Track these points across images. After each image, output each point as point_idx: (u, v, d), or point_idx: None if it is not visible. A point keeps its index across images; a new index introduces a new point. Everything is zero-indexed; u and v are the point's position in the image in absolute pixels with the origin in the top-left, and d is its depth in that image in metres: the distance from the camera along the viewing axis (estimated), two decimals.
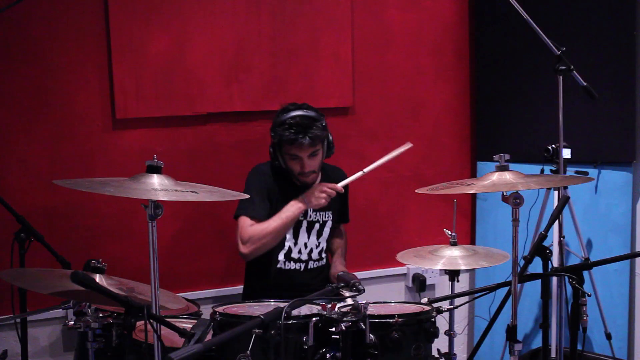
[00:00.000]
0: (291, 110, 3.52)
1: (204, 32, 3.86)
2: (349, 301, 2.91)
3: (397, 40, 4.33)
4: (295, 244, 3.63)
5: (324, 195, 3.50)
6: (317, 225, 3.67)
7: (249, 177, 3.61)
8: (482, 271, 4.52)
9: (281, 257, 3.62)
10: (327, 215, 3.71)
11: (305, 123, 3.48)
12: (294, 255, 3.63)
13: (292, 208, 3.50)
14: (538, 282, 2.99)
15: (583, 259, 4.07)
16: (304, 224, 3.64)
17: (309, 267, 3.68)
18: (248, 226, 3.50)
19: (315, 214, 3.66)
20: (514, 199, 2.83)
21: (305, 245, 3.65)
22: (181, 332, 2.51)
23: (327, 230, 3.72)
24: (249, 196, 2.98)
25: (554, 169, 3.87)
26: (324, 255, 3.74)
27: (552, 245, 3.77)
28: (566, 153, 3.86)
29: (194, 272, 3.97)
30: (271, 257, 3.61)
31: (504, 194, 2.87)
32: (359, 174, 3.58)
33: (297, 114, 3.50)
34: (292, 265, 3.64)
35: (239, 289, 3.88)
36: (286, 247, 3.62)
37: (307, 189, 3.60)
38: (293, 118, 3.48)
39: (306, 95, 4.04)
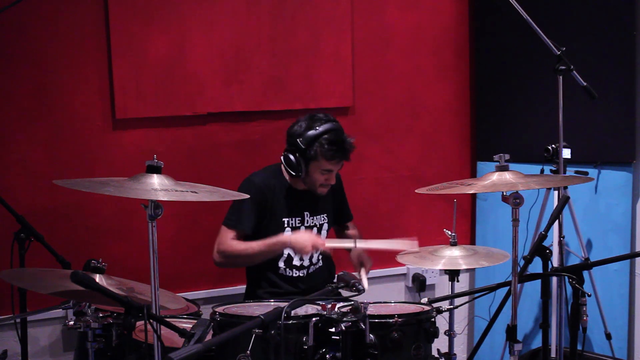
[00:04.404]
0: (322, 124, 3.48)
1: (204, 32, 3.86)
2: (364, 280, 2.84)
3: (397, 40, 4.33)
4: (295, 253, 3.62)
5: (309, 248, 3.46)
6: (314, 230, 3.67)
7: (239, 189, 3.53)
8: (482, 271, 4.52)
9: (282, 264, 3.61)
10: (322, 219, 3.70)
11: (343, 139, 3.49)
12: (296, 262, 3.62)
13: (277, 243, 3.49)
14: (538, 282, 2.99)
15: (583, 259, 4.07)
16: (302, 229, 3.63)
17: (310, 271, 3.68)
18: (229, 239, 3.51)
19: (312, 219, 3.66)
20: (514, 199, 2.84)
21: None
22: (181, 332, 2.51)
23: (324, 233, 3.71)
24: (248, 196, 2.98)
25: (554, 169, 3.87)
26: (321, 256, 3.73)
27: (552, 245, 3.77)
28: (566, 153, 3.86)
29: (194, 272, 3.97)
30: (271, 265, 3.60)
31: (504, 194, 2.87)
32: (350, 244, 3.55)
33: (333, 127, 3.48)
34: (294, 273, 3.63)
35: (238, 289, 3.88)
36: (285, 255, 3.60)
37: (307, 195, 3.61)
38: (332, 134, 3.46)
39: (306, 95, 4.05)
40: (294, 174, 3.51)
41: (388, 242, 3.51)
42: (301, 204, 3.63)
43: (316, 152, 3.46)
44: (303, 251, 3.49)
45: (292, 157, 3.50)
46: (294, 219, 3.61)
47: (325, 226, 3.71)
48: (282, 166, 3.57)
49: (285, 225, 3.59)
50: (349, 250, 3.72)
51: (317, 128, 3.47)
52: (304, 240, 3.46)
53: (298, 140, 3.47)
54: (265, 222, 3.56)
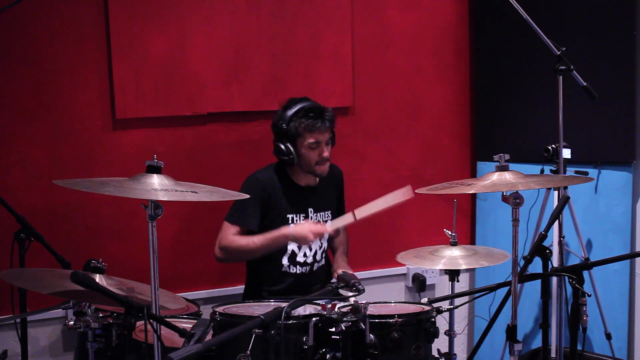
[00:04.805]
0: (297, 102, 3.55)
1: (204, 32, 3.86)
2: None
3: (397, 40, 4.33)
4: (300, 247, 3.62)
5: (311, 236, 3.45)
6: None
7: (243, 186, 3.56)
8: (482, 271, 4.52)
9: (285, 261, 3.61)
10: (327, 215, 3.71)
11: (319, 108, 3.55)
12: (300, 259, 3.62)
13: (279, 237, 3.48)
14: (538, 282, 2.99)
15: (583, 259, 4.07)
16: None
17: (314, 269, 3.68)
18: (230, 234, 3.51)
19: (316, 215, 3.66)
20: (514, 199, 2.84)
21: (310, 248, 3.65)
22: (181, 332, 2.51)
23: None
24: (248, 196, 2.98)
25: (554, 169, 3.87)
26: (325, 254, 3.74)
27: (552, 245, 3.77)
28: (566, 153, 3.86)
29: (194, 272, 3.97)
30: (274, 262, 3.60)
31: (504, 194, 2.87)
32: (350, 218, 3.50)
33: (307, 103, 3.55)
34: (297, 269, 3.63)
35: (238, 289, 3.87)
36: (289, 251, 3.60)
37: (310, 191, 3.62)
38: (306, 106, 3.53)
39: (306, 95, 4.03)
40: (286, 158, 3.53)
41: (384, 201, 3.48)
42: (305, 200, 3.64)
43: (297, 128, 3.50)
44: (306, 241, 3.48)
45: (280, 144, 3.53)
46: (298, 215, 3.61)
47: (329, 223, 3.72)
48: (279, 160, 3.58)
49: (290, 222, 3.59)
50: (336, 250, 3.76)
51: (293, 107, 3.53)
52: (304, 229, 3.45)
53: (279, 123, 3.52)
54: (269, 219, 3.56)
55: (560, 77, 3.55)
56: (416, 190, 3.16)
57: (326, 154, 3.57)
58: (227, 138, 3.98)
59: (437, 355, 3.08)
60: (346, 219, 3.54)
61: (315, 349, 2.79)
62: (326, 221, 3.70)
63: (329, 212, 3.72)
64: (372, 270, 4.34)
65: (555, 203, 3.91)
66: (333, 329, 2.81)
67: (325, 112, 3.55)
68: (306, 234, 3.44)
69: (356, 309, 2.78)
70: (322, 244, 3.69)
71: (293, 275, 3.63)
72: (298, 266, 3.63)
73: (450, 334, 3.30)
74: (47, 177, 3.60)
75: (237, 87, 3.95)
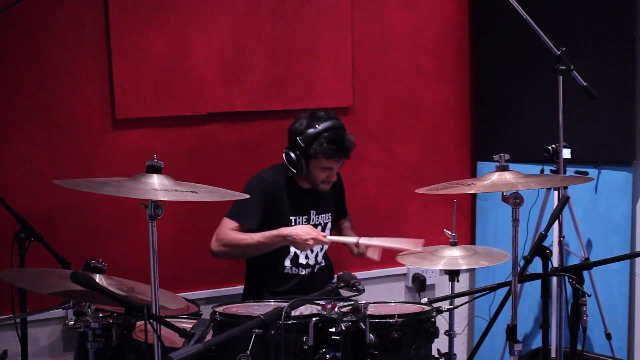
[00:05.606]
0: (322, 122, 3.49)
1: (204, 32, 3.86)
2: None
3: (397, 40, 4.33)
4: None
5: (311, 242, 3.43)
6: (319, 228, 3.67)
7: (248, 185, 3.56)
8: (482, 271, 4.52)
9: (288, 263, 3.62)
10: (327, 217, 3.72)
11: (343, 137, 3.50)
12: (302, 260, 3.63)
13: (279, 236, 3.45)
14: (538, 282, 2.99)
15: (583, 259, 4.08)
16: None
17: (315, 270, 3.68)
18: (228, 229, 3.50)
19: (318, 217, 3.67)
20: (514, 199, 2.84)
21: (312, 250, 3.65)
22: (181, 332, 2.51)
23: (327, 232, 3.72)
24: (248, 196, 2.98)
25: (554, 169, 3.87)
26: (325, 254, 3.75)
27: (552, 245, 3.77)
28: (566, 153, 3.86)
29: (194, 272, 3.97)
30: (276, 263, 3.60)
31: (504, 194, 2.87)
32: (353, 240, 3.53)
33: (332, 125, 3.49)
34: (300, 271, 3.64)
35: (239, 289, 3.88)
36: (292, 253, 3.61)
37: (313, 194, 3.63)
38: (331, 132, 3.47)
39: (306, 95, 4.05)
40: (295, 171, 3.52)
41: (392, 241, 3.49)
42: (307, 202, 3.64)
43: (315, 151, 3.47)
44: (304, 246, 3.46)
45: (292, 155, 3.51)
46: (300, 217, 3.61)
47: (329, 225, 3.73)
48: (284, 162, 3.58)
49: (293, 223, 3.59)
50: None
51: (317, 126, 3.48)
52: (305, 234, 3.43)
53: (298, 138, 3.49)
54: (272, 220, 3.55)
55: (560, 77, 3.55)
56: (416, 190, 3.16)
57: (334, 178, 3.58)
58: (227, 138, 3.98)
59: (437, 355, 3.08)
60: (348, 239, 3.56)
61: (315, 349, 2.79)
62: (327, 223, 3.71)
63: (330, 214, 3.73)
64: (372, 270, 4.34)
65: (555, 203, 3.91)
66: (333, 329, 2.81)
67: (346, 142, 3.50)
68: (307, 239, 3.42)
69: (356, 309, 2.78)
70: (322, 245, 3.68)
71: (296, 277, 3.63)
72: (300, 268, 3.63)
73: (450, 334, 3.30)
74: (47, 177, 3.60)
75: (237, 87, 3.95)
